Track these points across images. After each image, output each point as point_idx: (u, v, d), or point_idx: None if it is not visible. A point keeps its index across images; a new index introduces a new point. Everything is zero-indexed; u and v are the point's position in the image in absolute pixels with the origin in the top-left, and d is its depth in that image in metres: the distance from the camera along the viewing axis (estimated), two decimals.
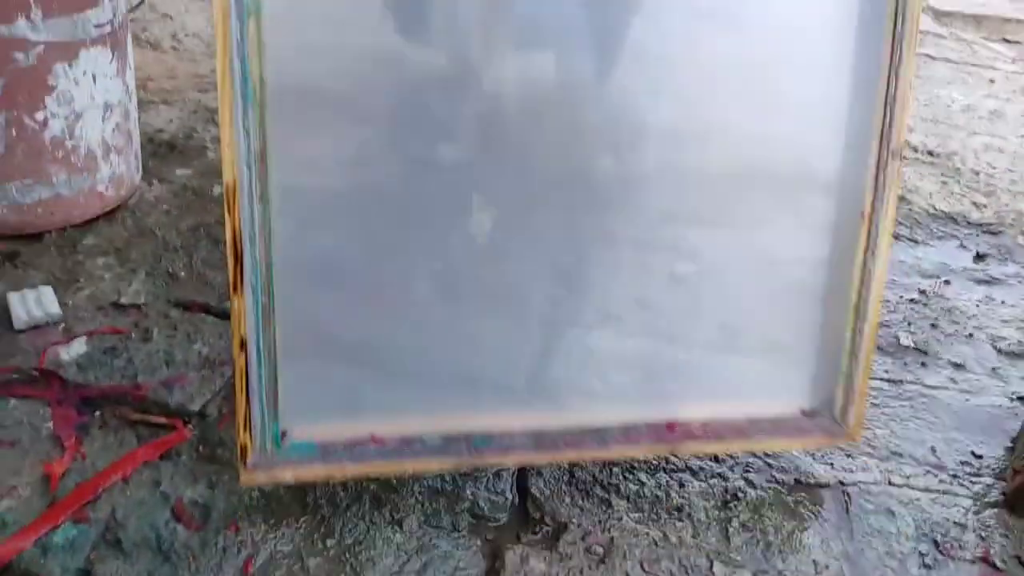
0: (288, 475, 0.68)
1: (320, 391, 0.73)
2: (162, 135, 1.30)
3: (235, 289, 0.63)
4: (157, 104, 1.38)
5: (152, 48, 1.56)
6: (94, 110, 1.01)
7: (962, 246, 1.31)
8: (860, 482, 0.83)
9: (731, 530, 0.77)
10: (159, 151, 1.26)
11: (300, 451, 0.69)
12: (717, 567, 0.73)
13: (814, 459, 0.85)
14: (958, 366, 1.03)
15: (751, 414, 0.79)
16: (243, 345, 0.64)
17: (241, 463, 0.66)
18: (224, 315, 0.96)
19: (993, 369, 1.03)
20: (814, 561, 0.74)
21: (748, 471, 0.83)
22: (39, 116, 0.97)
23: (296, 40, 0.70)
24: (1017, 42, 2.42)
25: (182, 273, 1.02)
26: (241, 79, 0.63)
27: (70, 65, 0.95)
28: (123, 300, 0.97)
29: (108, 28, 0.98)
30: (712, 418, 0.78)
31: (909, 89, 0.68)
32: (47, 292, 0.95)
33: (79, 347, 0.90)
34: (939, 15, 2.55)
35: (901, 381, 0.99)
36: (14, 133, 0.96)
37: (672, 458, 0.82)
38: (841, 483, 0.83)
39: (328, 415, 0.73)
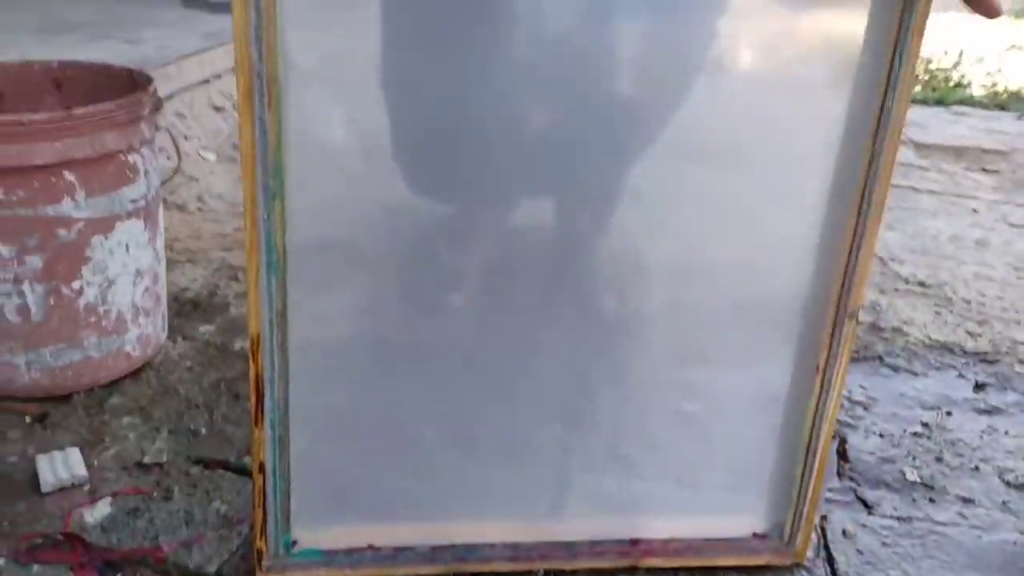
0: None
1: (326, 508, 0.85)
2: (187, 293, 1.37)
3: (256, 423, 0.74)
4: (183, 264, 1.46)
5: (179, 210, 1.66)
6: (126, 276, 1.08)
7: (961, 376, 1.34)
8: None
9: None
10: (184, 309, 1.32)
11: (307, 556, 0.82)
12: None
13: None
14: (967, 501, 1.04)
15: (708, 535, 0.89)
16: (261, 468, 0.76)
17: (257, 565, 0.79)
18: (242, 471, 0.99)
19: (1003, 503, 1.04)
20: None
21: None
22: (75, 285, 1.03)
23: (315, 201, 0.78)
24: (996, 171, 2.53)
25: (203, 430, 1.06)
26: (267, 250, 0.71)
27: (106, 237, 1.03)
28: (146, 459, 1.00)
29: (143, 202, 1.07)
30: (673, 537, 0.89)
31: (870, 260, 0.74)
32: (74, 453, 0.98)
33: (103, 508, 0.92)
34: (920, 148, 2.68)
35: (910, 519, 1.00)
36: (51, 302, 1.03)
37: (634, 570, 0.89)
38: None
39: (332, 527, 0.85)
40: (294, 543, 0.82)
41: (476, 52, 0.79)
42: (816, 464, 0.84)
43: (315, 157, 0.73)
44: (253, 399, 0.73)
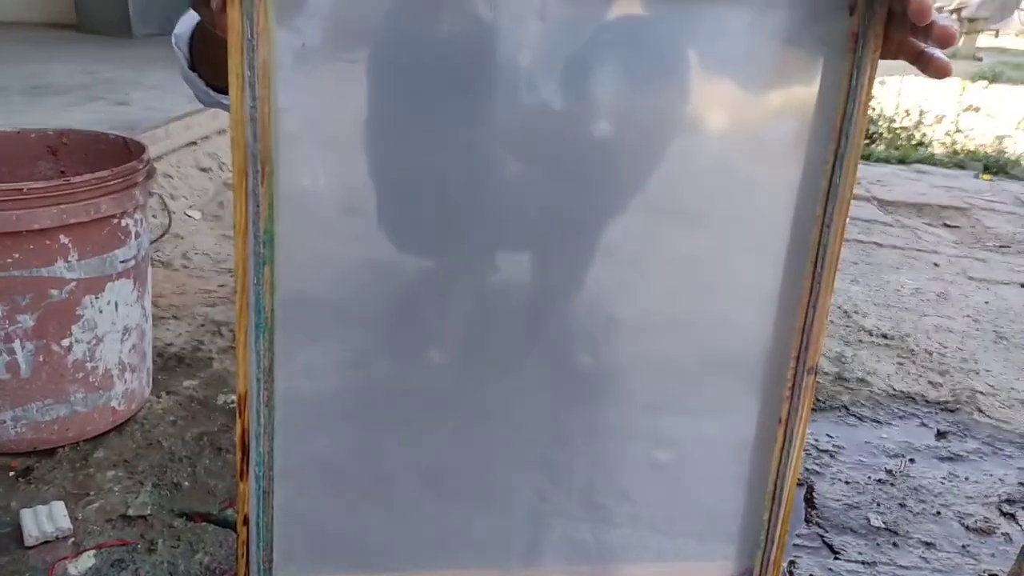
0: None
1: (308, 558, 0.87)
2: (171, 348, 1.40)
3: (242, 477, 0.76)
4: (168, 319, 1.49)
5: (164, 267, 1.69)
6: (114, 334, 1.11)
7: (923, 424, 1.39)
8: None
9: None
10: (168, 364, 1.35)
11: None
12: None
13: None
14: (929, 545, 1.08)
15: (681, 574, 0.92)
16: (245, 520, 0.78)
17: None
18: (224, 523, 1.01)
19: (963, 547, 1.08)
20: None
21: None
22: (65, 343, 1.06)
23: (303, 260, 0.82)
24: (957, 227, 2.64)
25: (186, 483, 1.08)
26: (256, 312, 0.74)
27: (97, 296, 1.06)
28: (130, 512, 1.02)
29: (133, 262, 1.10)
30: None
31: (825, 317, 0.78)
32: (58, 507, 1.00)
33: (87, 561, 0.94)
34: (884, 204, 2.79)
35: (875, 563, 1.03)
36: (41, 359, 1.05)
37: None
38: None
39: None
40: None
41: (456, 119, 0.84)
42: (781, 512, 0.88)
43: (304, 221, 0.77)
44: (239, 454, 0.76)
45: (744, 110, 0.79)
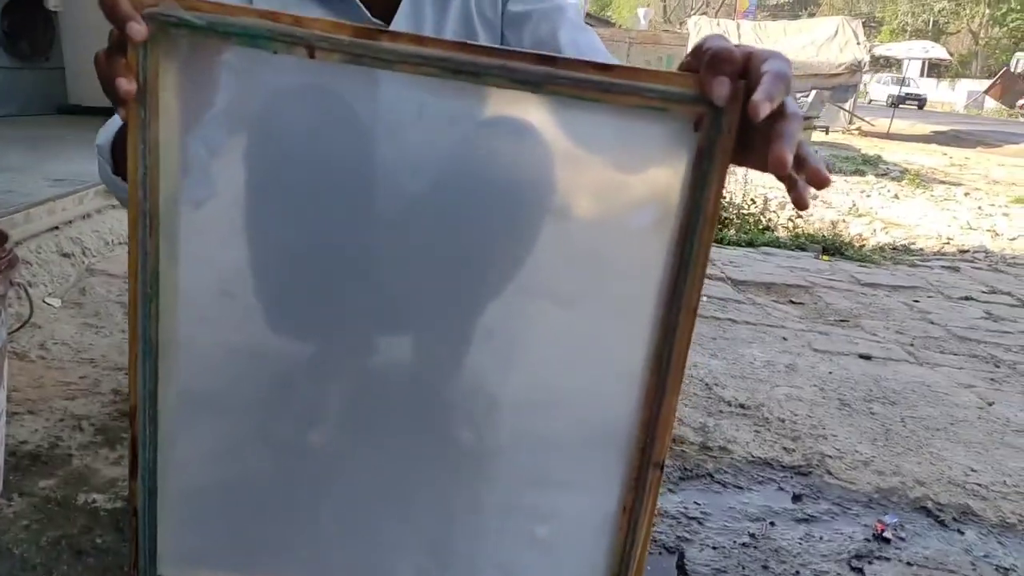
0: None
1: (189, 554, 0.95)
2: (25, 446, 1.31)
3: (132, 476, 0.86)
4: (22, 415, 1.39)
5: (19, 358, 1.59)
6: None
7: (780, 488, 1.49)
8: None
9: None
10: (22, 463, 1.26)
11: None
12: None
13: None
14: None
15: None
16: (135, 512, 0.88)
17: None
18: None
19: None
20: None
21: None
22: None
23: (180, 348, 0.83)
24: (802, 303, 2.88)
25: None
26: (144, 341, 0.80)
27: None
28: None
29: None
30: None
31: (672, 415, 0.80)
32: None
33: None
34: (736, 283, 3.01)
35: None
36: None
37: None
38: None
39: (196, 570, 0.95)
40: None
41: (333, 202, 0.88)
42: None
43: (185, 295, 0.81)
44: (130, 456, 0.85)
45: (616, 193, 0.84)
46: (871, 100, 29.81)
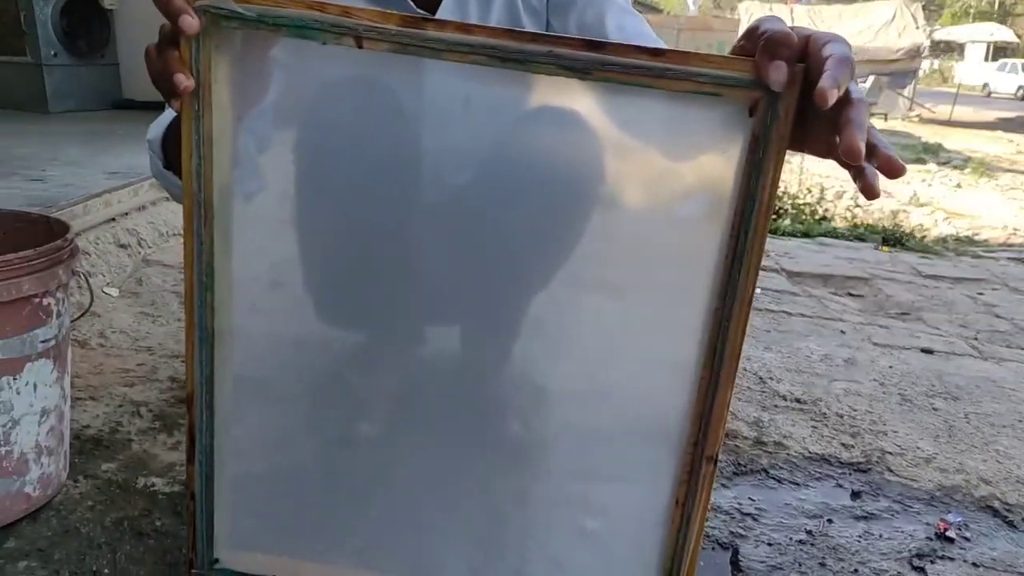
0: None
1: (245, 537, 0.97)
2: (88, 431, 1.35)
3: (190, 461, 0.88)
4: (84, 400, 1.44)
5: (80, 346, 1.64)
6: (31, 416, 1.07)
7: (839, 485, 1.45)
8: None
9: None
10: (85, 447, 1.30)
11: (225, 574, 0.95)
12: None
13: None
14: None
15: None
16: (193, 496, 0.91)
17: (187, 572, 0.95)
18: None
19: None
20: None
21: None
22: None
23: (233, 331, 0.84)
24: (861, 296, 2.80)
25: (106, 571, 1.03)
26: (200, 328, 0.82)
27: (15, 378, 1.03)
28: None
29: (53, 342, 1.08)
30: None
31: (725, 408, 0.78)
32: None
33: None
34: (792, 275, 2.94)
35: None
36: None
37: None
38: None
39: (252, 553, 0.96)
40: (216, 560, 0.93)
41: (381, 193, 0.88)
42: None
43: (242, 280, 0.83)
44: (188, 442, 0.87)
45: (668, 182, 0.82)
46: (991, 93, 24.61)
